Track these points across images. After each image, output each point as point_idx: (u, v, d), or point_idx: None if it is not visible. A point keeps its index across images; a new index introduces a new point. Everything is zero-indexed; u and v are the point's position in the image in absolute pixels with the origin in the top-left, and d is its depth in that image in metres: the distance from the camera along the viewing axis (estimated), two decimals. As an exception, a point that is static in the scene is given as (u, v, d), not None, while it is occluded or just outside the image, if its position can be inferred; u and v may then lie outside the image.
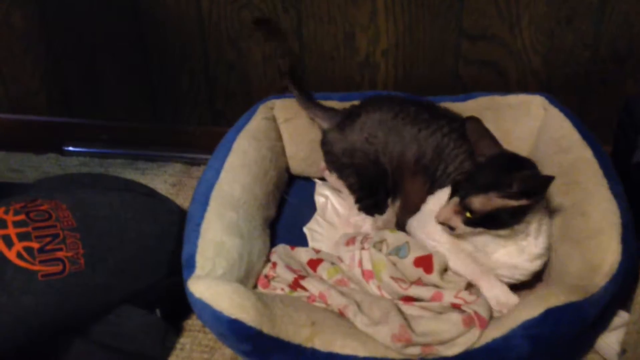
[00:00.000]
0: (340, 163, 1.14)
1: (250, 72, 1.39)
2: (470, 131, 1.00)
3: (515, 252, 0.94)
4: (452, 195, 0.93)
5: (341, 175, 1.15)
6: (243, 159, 1.11)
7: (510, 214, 0.90)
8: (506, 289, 0.95)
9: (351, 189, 1.14)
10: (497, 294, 0.93)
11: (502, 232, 0.92)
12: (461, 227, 0.92)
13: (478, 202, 0.89)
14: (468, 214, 0.90)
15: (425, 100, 1.17)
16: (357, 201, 1.13)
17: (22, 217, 0.88)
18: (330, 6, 1.28)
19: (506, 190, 0.88)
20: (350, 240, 1.05)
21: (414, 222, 1.05)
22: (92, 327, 0.93)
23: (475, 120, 1.01)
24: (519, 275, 0.96)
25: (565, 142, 1.06)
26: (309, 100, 1.22)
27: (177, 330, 1.06)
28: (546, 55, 1.27)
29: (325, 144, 1.16)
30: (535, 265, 0.95)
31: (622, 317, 0.95)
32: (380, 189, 1.10)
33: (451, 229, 0.93)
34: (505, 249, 0.94)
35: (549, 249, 0.96)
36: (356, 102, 1.20)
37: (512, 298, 0.93)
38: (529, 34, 1.25)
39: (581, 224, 0.92)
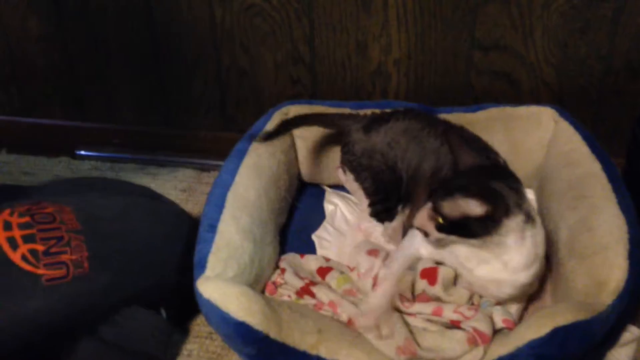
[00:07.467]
0: (358, 164, 1.14)
1: (261, 79, 1.39)
2: (451, 142, 0.98)
3: (499, 267, 0.91)
4: (428, 201, 0.92)
5: (357, 178, 1.16)
6: (258, 163, 1.11)
7: (480, 223, 0.87)
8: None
9: (366, 192, 1.15)
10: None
11: (473, 241, 0.89)
12: (434, 233, 0.90)
13: (447, 206, 0.87)
14: (440, 220, 0.89)
15: (459, 125, 1.15)
16: (370, 204, 1.13)
17: (26, 219, 0.88)
18: (343, 15, 1.28)
19: (468, 195, 0.85)
20: (373, 252, 1.04)
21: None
22: (97, 327, 0.93)
23: (455, 131, 1.01)
24: (507, 289, 0.92)
25: (574, 155, 1.05)
26: (327, 116, 1.22)
27: (182, 331, 1.06)
28: (559, 66, 1.26)
29: (346, 143, 1.16)
30: (522, 277, 0.91)
31: (632, 332, 0.93)
32: (393, 195, 1.11)
33: (426, 235, 0.91)
34: (488, 265, 0.91)
35: (537, 259, 0.92)
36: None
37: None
38: (542, 45, 1.25)
39: (587, 239, 0.90)
